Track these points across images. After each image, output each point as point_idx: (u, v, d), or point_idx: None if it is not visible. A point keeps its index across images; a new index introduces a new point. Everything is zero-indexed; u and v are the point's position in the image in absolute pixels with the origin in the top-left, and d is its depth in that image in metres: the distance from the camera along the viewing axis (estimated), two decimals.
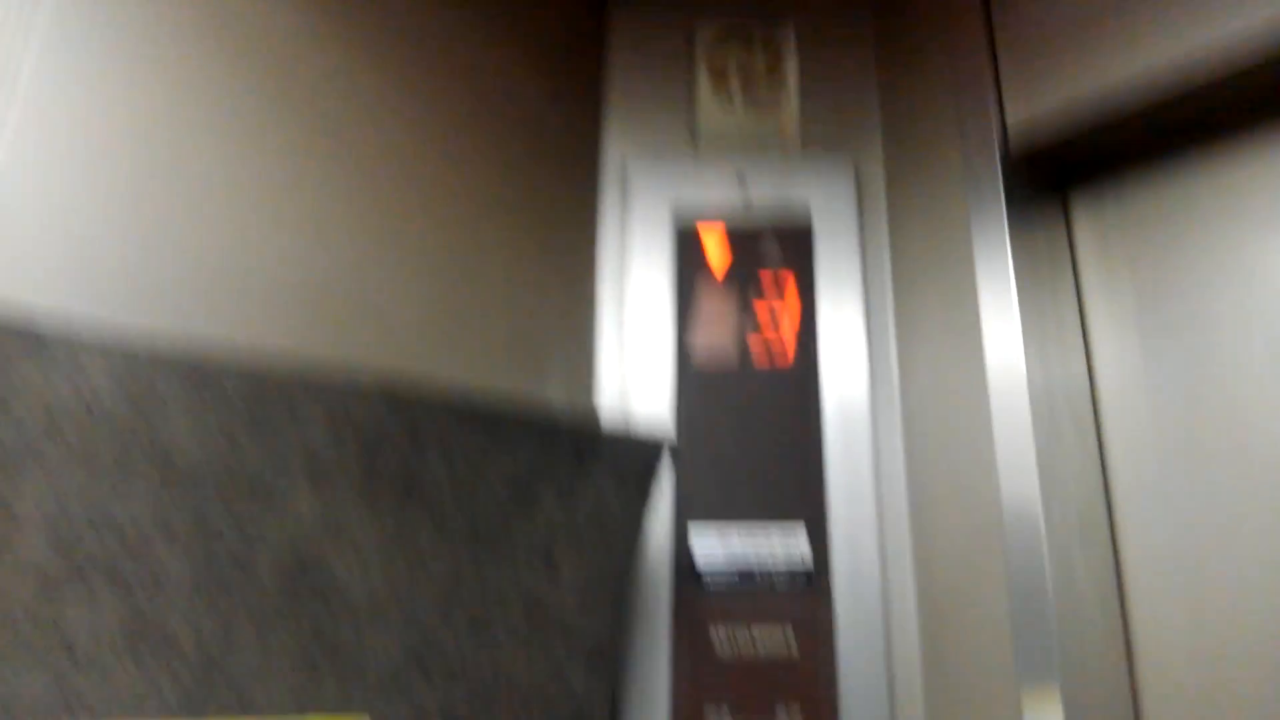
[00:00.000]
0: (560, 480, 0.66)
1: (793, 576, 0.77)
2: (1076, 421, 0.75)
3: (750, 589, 0.77)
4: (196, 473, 0.54)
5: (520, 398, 0.64)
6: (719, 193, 0.88)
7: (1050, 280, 0.78)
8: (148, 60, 0.60)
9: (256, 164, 0.65)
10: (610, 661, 0.67)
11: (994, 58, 0.77)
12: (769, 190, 0.88)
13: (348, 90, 0.72)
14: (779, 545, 0.78)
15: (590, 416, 0.67)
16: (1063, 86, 0.72)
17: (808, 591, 0.77)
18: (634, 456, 0.68)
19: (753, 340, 0.84)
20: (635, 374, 0.84)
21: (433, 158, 0.78)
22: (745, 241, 0.87)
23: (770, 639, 0.76)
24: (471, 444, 0.62)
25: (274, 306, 0.64)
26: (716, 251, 0.87)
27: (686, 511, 0.79)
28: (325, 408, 0.58)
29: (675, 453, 0.80)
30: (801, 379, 0.83)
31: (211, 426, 0.55)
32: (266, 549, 0.56)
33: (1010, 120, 0.75)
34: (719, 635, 0.76)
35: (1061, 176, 0.83)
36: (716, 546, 0.78)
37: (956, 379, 0.76)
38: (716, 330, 0.84)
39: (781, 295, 0.85)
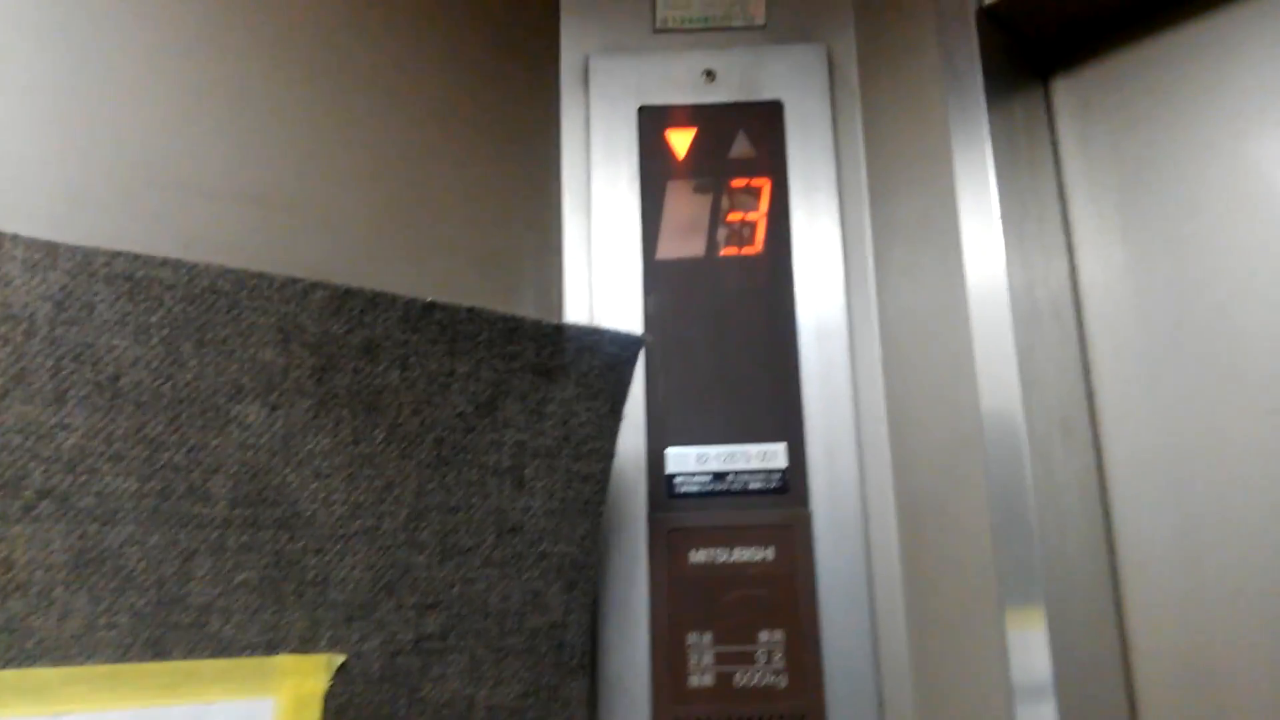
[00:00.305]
0: (528, 393, 0.63)
1: (772, 495, 0.76)
2: (1059, 321, 0.73)
3: (728, 508, 0.76)
4: (141, 393, 0.51)
5: (482, 306, 0.60)
6: (685, 87, 0.84)
7: (1031, 175, 0.75)
8: None
9: (194, 66, 0.60)
10: (587, 583, 0.65)
11: None
12: (737, 82, 0.84)
13: None
14: (757, 464, 0.76)
15: (557, 323, 0.63)
16: None
17: (787, 510, 0.75)
18: (604, 361, 0.65)
19: (724, 239, 0.81)
20: (603, 278, 0.80)
21: (382, 58, 0.73)
22: (714, 136, 0.83)
23: (750, 559, 0.75)
24: (430, 355, 0.59)
25: (216, 215, 0.60)
26: (685, 149, 0.83)
27: (662, 432, 0.77)
28: (275, 319, 0.54)
29: (648, 350, 0.77)
30: (776, 290, 0.80)
31: (153, 342, 0.51)
32: (221, 473, 0.53)
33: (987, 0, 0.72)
34: (697, 557, 0.75)
35: (1042, 59, 0.79)
36: (693, 466, 0.76)
37: (934, 280, 0.74)
38: (686, 231, 0.81)
39: (755, 200, 0.81)
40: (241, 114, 0.63)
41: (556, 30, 0.87)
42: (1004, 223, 0.69)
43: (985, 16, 0.73)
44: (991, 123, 0.70)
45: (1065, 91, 0.78)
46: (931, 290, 0.74)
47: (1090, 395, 0.74)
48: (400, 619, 0.58)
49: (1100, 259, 0.75)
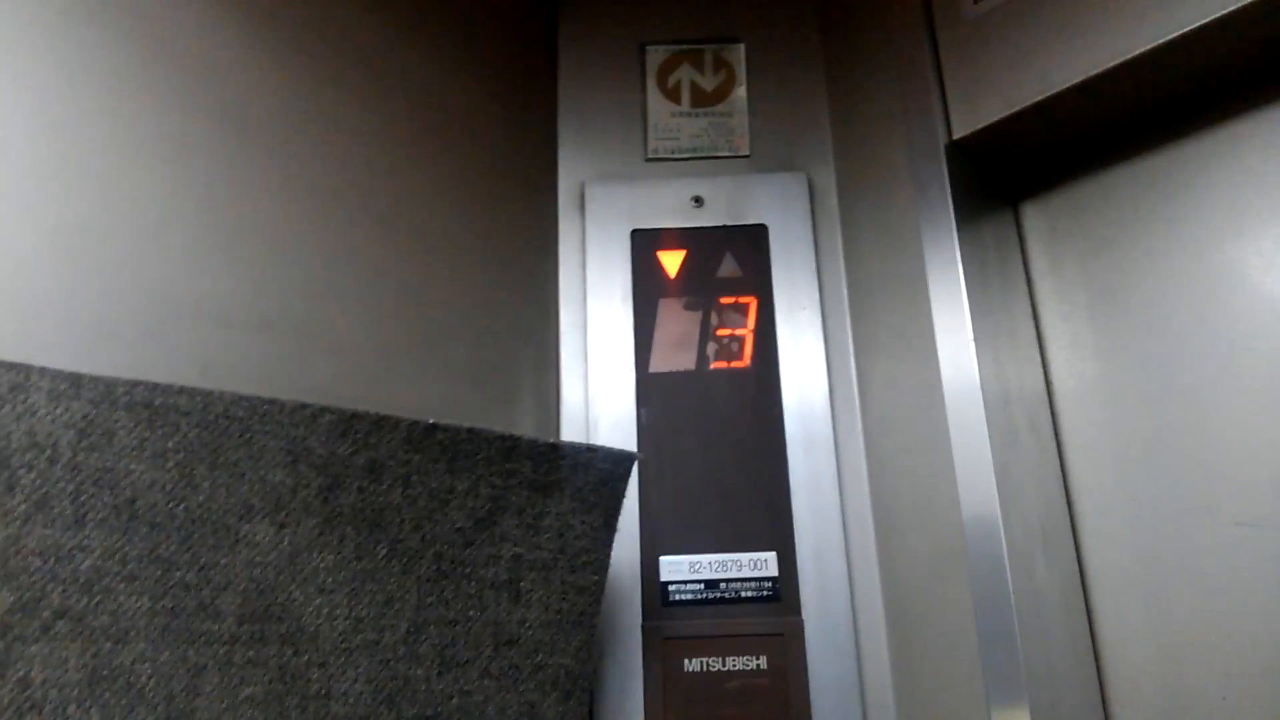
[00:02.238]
0: (524, 507, 0.65)
1: (764, 603, 0.77)
2: (1035, 433, 0.76)
3: (721, 617, 0.77)
4: (156, 514, 0.53)
5: (482, 424, 0.63)
6: (675, 212, 0.89)
7: (1003, 290, 0.79)
8: (90, 86, 0.59)
9: (207, 195, 0.64)
10: (582, 694, 0.66)
11: (939, 71, 0.79)
12: (724, 207, 0.89)
13: (300, 119, 0.71)
14: (749, 572, 0.78)
15: (553, 441, 0.66)
16: (1006, 96, 0.73)
17: (779, 618, 0.77)
18: (598, 477, 0.68)
19: (714, 353, 0.84)
20: (598, 390, 0.83)
21: (388, 185, 0.77)
22: (703, 257, 0.87)
23: (743, 667, 0.76)
24: (431, 474, 0.62)
25: (228, 340, 0.63)
26: (675, 269, 0.87)
27: (655, 541, 0.79)
28: (283, 442, 0.57)
29: (641, 461, 0.80)
30: (764, 402, 0.83)
31: (169, 466, 0.54)
32: (230, 590, 0.55)
33: (956, 132, 0.77)
34: (691, 665, 0.76)
35: (1010, 186, 0.84)
36: (686, 574, 0.78)
37: (913, 393, 0.77)
38: (677, 346, 0.85)
39: (743, 316, 0.85)
40: (254, 245, 0.66)
41: (554, 159, 0.93)
42: (977, 339, 0.72)
43: (954, 149, 0.78)
44: (962, 245, 0.74)
45: (1034, 216, 0.83)
46: (912, 403, 0.77)
47: (1069, 504, 0.76)
48: None
49: (1074, 373, 0.78)
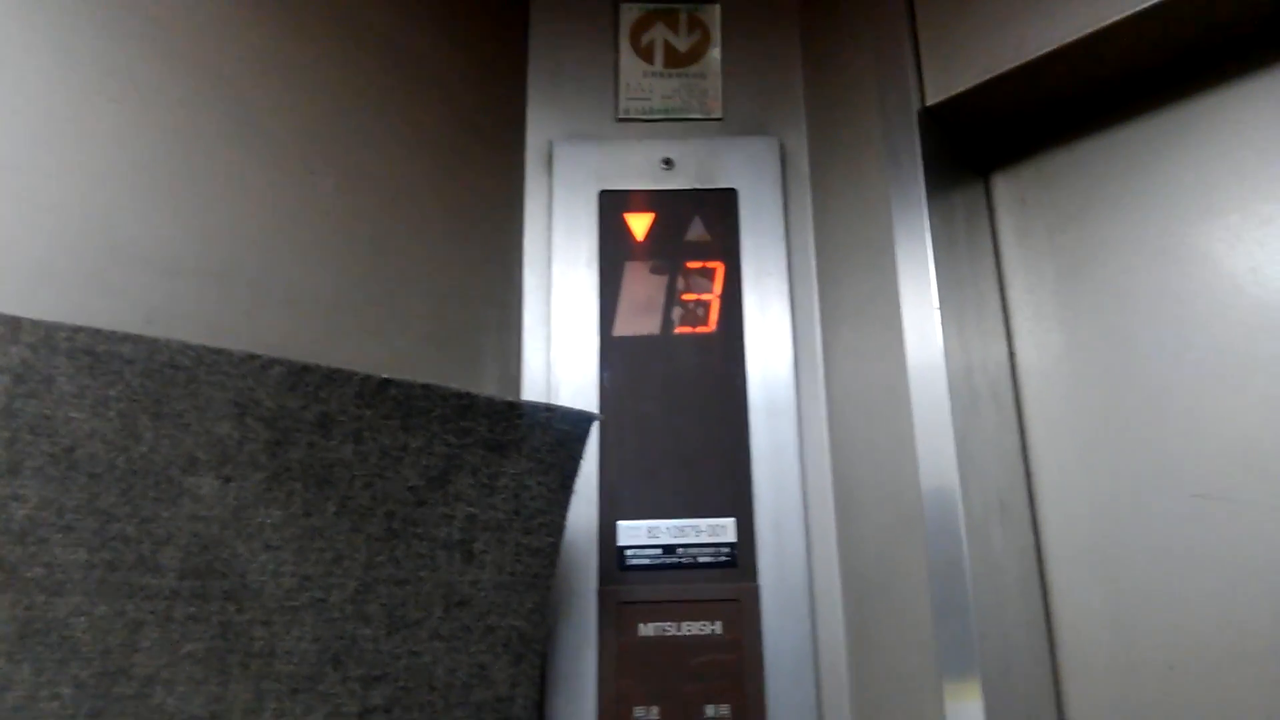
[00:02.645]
0: (479, 467, 0.64)
1: (721, 568, 0.77)
2: (997, 404, 0.76)
3: (678, 582, 0.77)
4: (95, 464, 0.52)
5: (440, 382, 0.62)
6: (645, 173, 0.87)
7: (970, 260, 0.78)
8: (34, 19, 0.57)
9: (158, 137, 0.62)
10: (535, 656, 0.66)
11: (914, 37, 0.78)
12: (694, 170, 0.88)
13: (259, 64, 0.69)
14: (707, 538, 0.78)
15: (510, 400, 0.65)
16: (980, 64, 0.72)
17: (735, 584, 0.77)
18: (556, 437, 0.67)
19: (679, 318, 0.83)
20: (561, 353, 0.82)
21: (349, 136, 0.75)
22: (671, 221, 0.86)
23: (698, 632, 0.76)
24: (383, 430, 0.60)
25: (176, 288, 0.61)
26: (643, 231, 0.86)
27: (614, 505, 0.78)
28: (230, 393, 0.55)
29: (602, 424, 0.79)
30: (728, 368, 0.82)
31: (110, 415, 0.52)
32: (172, 544, 0.54)
33: (930, 99, 0.76)
34: (646, 630, 0.76)
35: (982, 156, 0.84)
36: (644, 539, 0.78)
37: (877, 361, 0.77)
38: (643, 310, 0.84)
39: (709, 281, 0.84)
40: (205, 191, 0.64)
41: (523, 116, 0.91)
42: (943, 308, 0.72)
43: (927, 115, 0.77)
44: (931, 214, 0.74)
45: (1004, 187, 0.83)
46: (875, 372, 0.77)
47: (1028, 476, 0.76)
48: (346, 691, 0.58)
49: (1037, 345, 0.78)
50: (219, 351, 0.55)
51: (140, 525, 0.53)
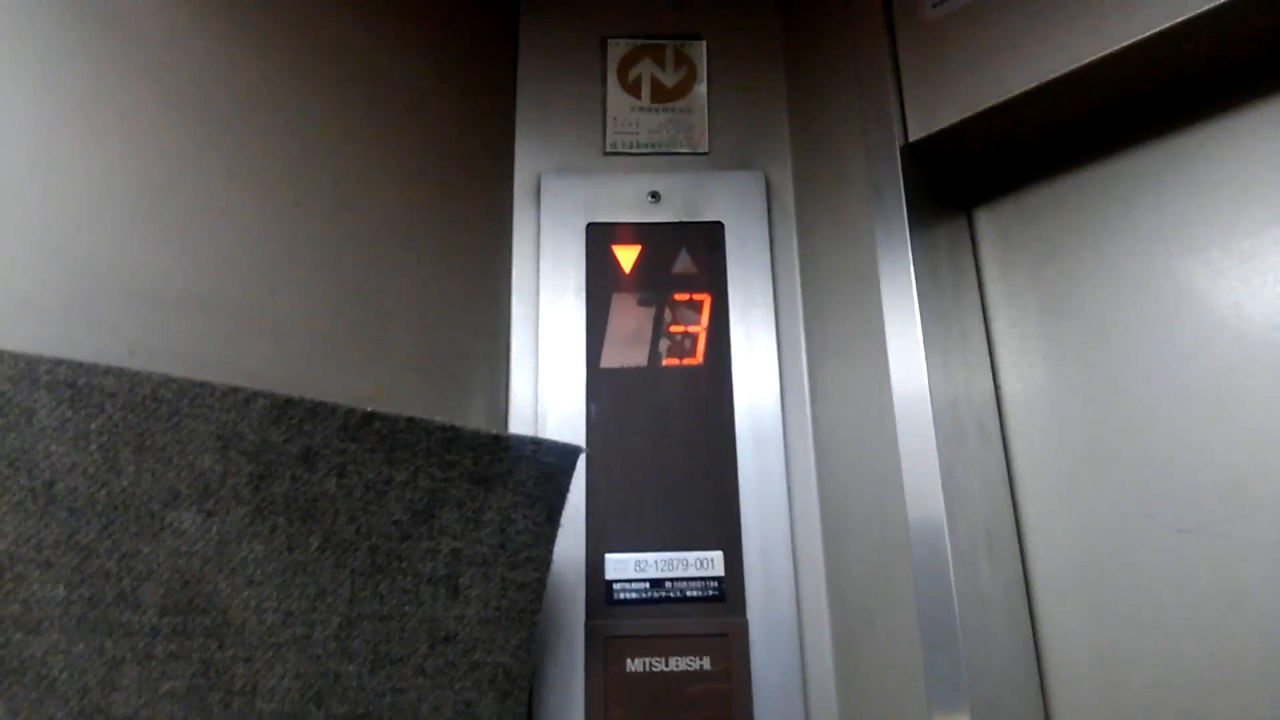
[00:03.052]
0: (465, 501, 0.64)
1: (709, 603, 0.77)
2: (983, 437, 0.76)
3: (666, 616, 0.76)
4: (75, 499, 0.51)
5: (426, 415, 0.62)
6: (632, 206, 0.88)
7: (954, 294, 0.79)
8: (20, 46, 0.57)
9: (142, 167, 0.62)
10: (521, 693, 0.65)
11: (897, 75, 0.79)
12: (681, 203, 0.88)
13: (249, 98, 0.69)
14: (695, 571, 0.77)
15: (495, 433, 0.65)
16: (961, 101, 0.73)
17: (724, 619, 0.76)
18: (542, 471, 0.67)
19: (666, 350, 0.83)
20: (548, 385, 0.82)
21: (337, 168, 0.75)
22: (658, 253, 0.87)
23: (687, 668, 0.75)
24: (368, 464, 0.60)
25: (159, 319, 0.61)
26: (630, 264, 0.86)
27: (601, 538, 0.78)
28: (213, 426, 0.55)
29: (589, 457, 0.79)
30: (715, 400, 0.82)
31: (91, 449, 0.52)
32: (153, 580, 0.53)
33: (913, 134, 0.77)
34: (634, 665, 0.75)
35: (965, 191, 0.85)
36: (632, 573, 0.77)
37: (863, 394, 0.77)
38: (630, 342, 0.84)
39: (696, 314, 0.85)
40: (190, 222, 0.64)
41: (511, 149, 0.92)
42: (927, 341, 0.72)
43: (910, 151, 0.78)
44: (915, 248, 0.74)
45: (987, 222, 0.84)
46: (861, 404, 0.77)
47: (1015, 508, 0.76)
48: None
49: (1022, 378, 0.78)
50: (202, 385, 0.55)
51: (121, 561, 0.52)
